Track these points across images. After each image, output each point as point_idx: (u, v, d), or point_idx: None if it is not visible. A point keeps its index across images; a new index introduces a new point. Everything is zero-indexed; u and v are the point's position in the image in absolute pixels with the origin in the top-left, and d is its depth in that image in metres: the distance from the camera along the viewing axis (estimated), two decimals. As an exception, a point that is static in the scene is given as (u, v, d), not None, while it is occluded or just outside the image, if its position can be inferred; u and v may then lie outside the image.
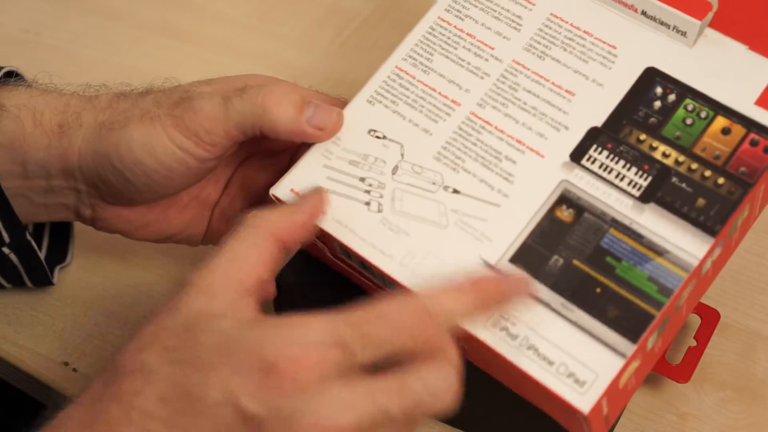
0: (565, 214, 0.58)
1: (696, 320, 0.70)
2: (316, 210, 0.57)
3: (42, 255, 0.71)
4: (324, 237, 0.60)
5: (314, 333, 0.48)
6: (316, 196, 0.58)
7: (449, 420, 0.68)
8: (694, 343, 0.68)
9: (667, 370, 0.67)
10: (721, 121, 0.59)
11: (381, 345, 0.49)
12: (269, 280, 0.54)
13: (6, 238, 0.67)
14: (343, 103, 0.64)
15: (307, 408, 0.47)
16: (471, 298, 0.52)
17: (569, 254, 0.57)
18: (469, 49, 0.63)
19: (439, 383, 0.49)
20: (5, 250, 0.68)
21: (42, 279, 0.72)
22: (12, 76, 0.70)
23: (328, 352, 0.48)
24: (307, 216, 0.56)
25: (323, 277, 0.65)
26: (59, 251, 0.74)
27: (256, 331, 0.49)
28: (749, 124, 0.59)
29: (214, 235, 0.68)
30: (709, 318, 0.69)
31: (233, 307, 0.51)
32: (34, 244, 0.69)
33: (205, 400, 0.48)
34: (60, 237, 0.73)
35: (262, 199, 0.68)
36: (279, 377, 0.47)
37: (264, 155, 0.67)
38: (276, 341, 0.48)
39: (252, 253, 0.53)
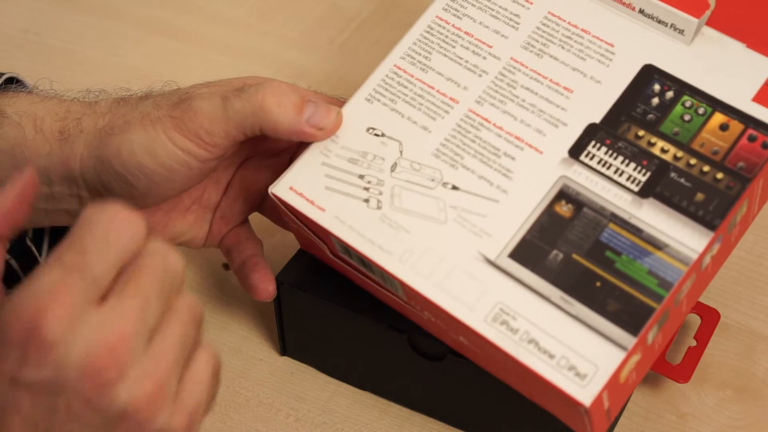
0: (564, 209, 0.58)
1: (696, 320, 0.70)
2: (22, 193, 0.52)
3: (42, 260, 0.71)
4: (324, 235, 0.61)
5: (41, 282, 0.46)
6: (19, 181, 0.53)
7: (450, 420, 0.68)
8: (694, 343, 0.68)
9: (667, 370, 0.67)
10: (718, 118, 0.60)
11: (107, 258, 0.48)
12: None
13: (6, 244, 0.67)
14: (341, 104, 0.64)
15: (84, 338, 0.45)
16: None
17: (569, 249, 0.57)
18: (467, 48, 0.64)
19: (163, 248, 0.49)
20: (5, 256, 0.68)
21: (41, 284, 0.71)
22: (13, 82, 0.70)
23: (66, 287, 0.46)
24: (12, 202, 0.52)
25: (323, 277, 0.65)
26: (59, 256, 0.73)
27: None
28: (747, 120, 0.59)
29: (215, 237, 0.68)
30: (709, 318, 0.69)
31: None
32: (34, 249, 0.69)
33: None
34: (59, 242, 0.73)
35: (262, 200, 0.68)
36: (37, 334, 0.45)
37: (263, 156, 0.67)
38: (14, 310, 0.46)
39: None
